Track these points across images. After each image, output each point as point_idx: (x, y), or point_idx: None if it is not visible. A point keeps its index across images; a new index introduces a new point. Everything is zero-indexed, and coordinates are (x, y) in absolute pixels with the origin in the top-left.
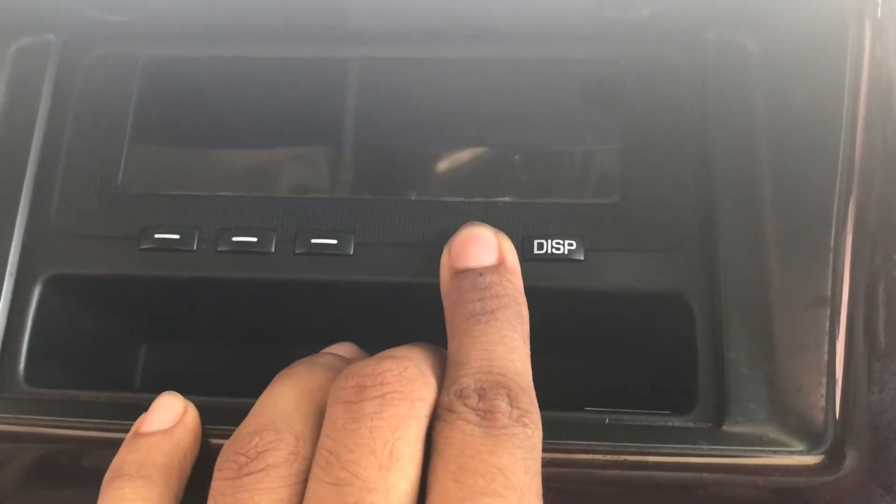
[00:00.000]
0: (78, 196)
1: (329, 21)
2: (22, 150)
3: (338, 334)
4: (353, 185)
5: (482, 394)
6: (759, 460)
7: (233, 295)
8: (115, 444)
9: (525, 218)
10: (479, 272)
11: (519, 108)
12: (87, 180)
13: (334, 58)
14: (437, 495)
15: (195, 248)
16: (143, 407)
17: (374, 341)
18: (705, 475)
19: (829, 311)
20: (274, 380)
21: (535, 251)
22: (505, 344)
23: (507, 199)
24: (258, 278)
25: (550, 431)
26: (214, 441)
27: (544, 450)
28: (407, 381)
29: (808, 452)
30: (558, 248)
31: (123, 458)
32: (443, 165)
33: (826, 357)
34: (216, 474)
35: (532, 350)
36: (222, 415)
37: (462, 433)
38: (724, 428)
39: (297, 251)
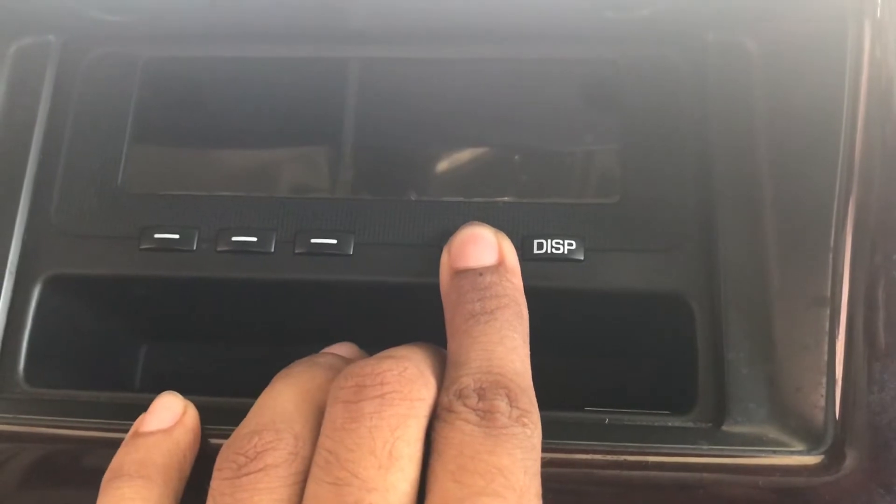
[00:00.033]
0: (78, 196)
1: (329, 21)
2: (22, 150)
3: (338, 334)
4: (352, 185)
5: (482, 394)
6: (759, 460)
7: (233, 295)
8: (115, 444)
9: (525, 218)
10: (479, 272)
11: (519, 108)
12: (87, 180)
13: (334, 58)
14: (437, 495)
15: (195, 247)
16: (143, 407)
17: (374, 341)
18: (705, 475)
19: (829, 311)
20: (273, 380)
21: (535, 251)
22: (504, 344)
23: (507, 199)
24: (258, 278)
25: (550, 431)
26: (214, 441)
27: (544, 450)
28: (406, 380)
29: (808, 452)
30: (558, 248)
31: (123, 458)
32: (443, 165)
33: (826, 357)
34: (215, 474)
35: (532, 350)
36: (222, 415)
37: (462, 433)
38: (724, 428)
39: (296, 251)
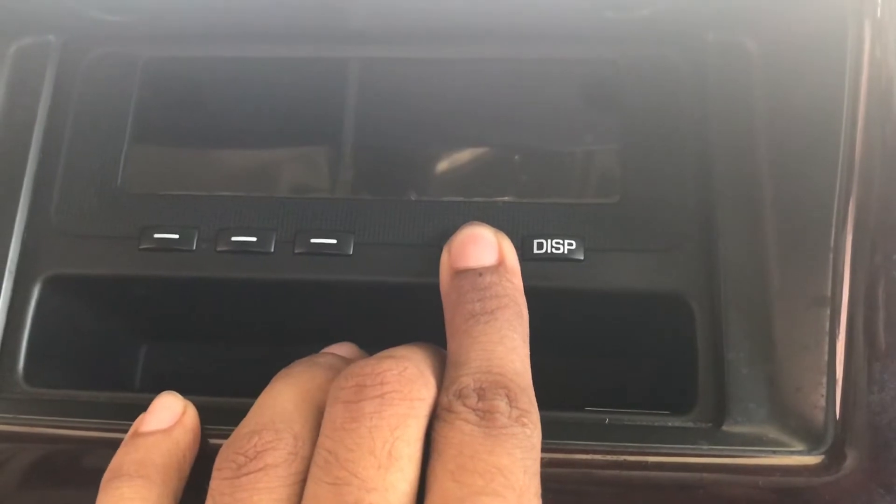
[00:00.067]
0: (78, 196)
1: (329, 21)
2: (22, 150)
3: (337, 334)
4: (352, 185)
5: (481, 394)
6: (759, 460)
7: (232, 295)
8: (115, 444)
9: (525, 218)
10: (479, 272)
11: (519, 108)
12: (87, 180)
13: (334, 58)
14: (436, 495)
15: (195, 247)
16: (143, 407)
17: (374, 341)
18: (705, 475)
19: (829, 311)
20: (273, 380)
21: (535, 251)
22: (504, 344)
23: (507, 198)
24: (258, 278)
25: (550, 431)
26: (214, 441)
27: (544, 450)
28: (406, 380)
29: (808, 452)
30: (558, 248)
31: (122, 458)
32: (443, 165)
33: (826, 357)
34: (215, 474)
35: (532, 350)
36: (222, 415)
37: (461, 433)
38: (724, 428)
39: (296, 251)
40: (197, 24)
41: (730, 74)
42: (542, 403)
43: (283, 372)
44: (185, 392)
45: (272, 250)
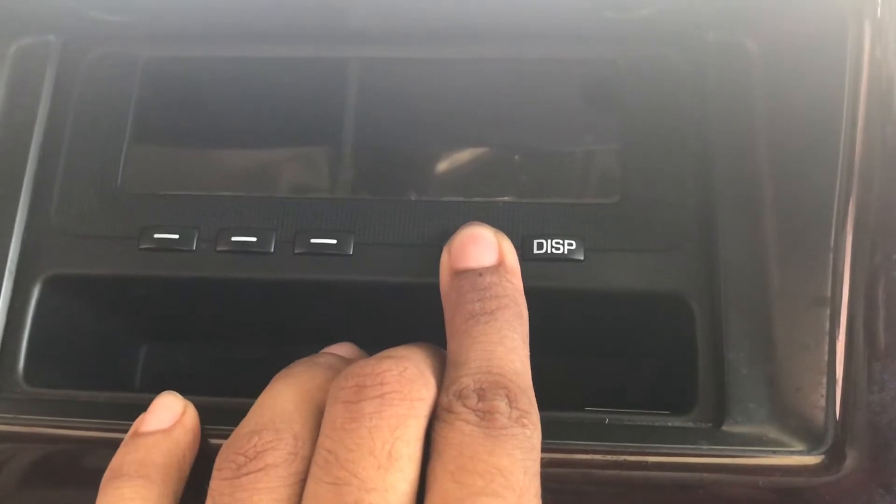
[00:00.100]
0: (78, 196)
1: (329, 21)
2: (22, 150)
3: (338, 334)
4: (352, 185)
5: (481, 394)
6: (759, 460)
7: (232, 295)
8: (115, 444)
9: (525, 218)
10: (479, 272)
11: (519, 108)
12: (87, 180)
13: (334, 58)
14: (436, 495)
15: (195, 247)
16: (143, 407)
17: (374, 341)
18: (705, 475)
19: (829, 311)
20: (273, 380)
21: (535, 251)
22: (504, 344)
23: (506, 199)
24: (258, 278)
25: (550, 431)
26: (214, 441)
27: (544, 450)
28: (406, 381)
29: (808, 452)
30: (558, 248)
31: (122, 458)
32: (443, 165)
33: (826, 357)
34: (215, 474)
35: (532, 350)
36: (222, 415)
37: (461, 433)
38: (724, 428)
39: (296, 251)
40: (197, 24)
41: (730, 74)
42: (542, 403)
43: (283, 372)
44: (185, 392)
45: (272, 250)
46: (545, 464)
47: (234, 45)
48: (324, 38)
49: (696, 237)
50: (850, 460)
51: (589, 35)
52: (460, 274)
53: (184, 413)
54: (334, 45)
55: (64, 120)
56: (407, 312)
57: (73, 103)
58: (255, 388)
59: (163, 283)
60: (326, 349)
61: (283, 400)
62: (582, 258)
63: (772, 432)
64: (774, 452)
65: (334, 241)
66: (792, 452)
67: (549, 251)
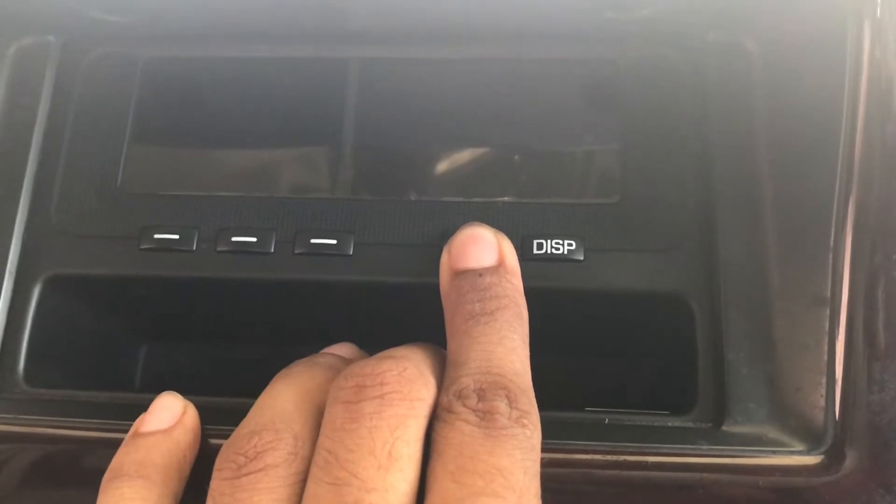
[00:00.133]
0: (78, 196)
1: (329, 21)
2: (22, 150)
3: (338, 334)
4: (352, 186)
5: (481, 394)
6: (759, 460)
7: (232, 295)
8: (115, 444)
9: (525, 218)
10: (479, 273)
11: (519, 108)
12: (87, 180)
13: (334, 58)
14: (436, 495)
15: (195, 248)
16: (143, 407)
17: (374, 341)
18: (705, 475)
19: (829, 311)
20: (273, 380)
21: (535, 251)
22: (504, 345)
23: (506, 199)
24: (258, 278)
25: (550, 431)
26: (214, 441)
27: (544, 450)
28: (406, 381)
29: (808, 452)
30: (558, 248)
31: (123, 458)
32: (442, 165)
33: (826, 357)
34: (215, 474)
35: (532, 350)
36: (222, 415)
37: (461, 434)
38: (724, 428)
39: (296, 251)
40: (197, 24)
41: (730, 74)
42: (542, 403)
43: (283, 372)
44: (185, 392)
45: (272, 250)
46: (545, 464)
47: (234, 45)
48: (324, 39)
49: (696, 237)
50: (850, 460)
51: (589, 35)
52: (460, 274)
53: (184, 413)
54: (334, 46)
55: (64, 120)
56: (407, 312)
57: (73, 103)
58: (255, 388)
59: (163, 283)
60: (326, 349)
61: (283, 400)
62: (582, 258)
63: (772, 432)
64: (774, 452)
65: (334, 242)
66: (792, 452)
67: (548, 251)
